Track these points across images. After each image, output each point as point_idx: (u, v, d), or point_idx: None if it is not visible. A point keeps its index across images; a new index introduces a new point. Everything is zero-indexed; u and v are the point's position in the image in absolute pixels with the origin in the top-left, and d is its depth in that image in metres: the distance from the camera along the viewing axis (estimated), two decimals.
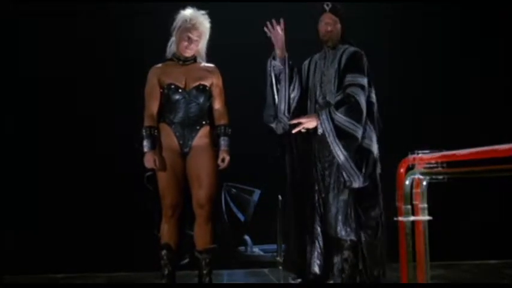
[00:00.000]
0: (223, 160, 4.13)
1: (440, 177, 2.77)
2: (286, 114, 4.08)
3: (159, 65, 4.29)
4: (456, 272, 5.13)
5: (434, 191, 2.97)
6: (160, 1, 5.70)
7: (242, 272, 5.58)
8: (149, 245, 5.18)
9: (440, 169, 2.76)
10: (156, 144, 4.14)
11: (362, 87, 3.93)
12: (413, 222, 2.89)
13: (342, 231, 3.87)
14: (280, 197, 4.80)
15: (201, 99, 4.16)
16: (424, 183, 2.86)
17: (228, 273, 5.48)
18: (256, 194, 5.37)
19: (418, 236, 2.89)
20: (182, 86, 4.16)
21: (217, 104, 4.24)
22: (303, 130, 3.94)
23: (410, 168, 2.89)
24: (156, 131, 4.17)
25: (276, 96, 4.12)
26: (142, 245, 5.43)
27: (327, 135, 3.87)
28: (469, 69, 5.95)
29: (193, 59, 4.25)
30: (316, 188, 4.02)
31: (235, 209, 5.37)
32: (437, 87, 5.96)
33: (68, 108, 5.80)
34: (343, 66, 4.02)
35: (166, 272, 4.13)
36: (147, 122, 4.19)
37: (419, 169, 2.83)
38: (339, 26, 4.10)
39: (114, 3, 5.84)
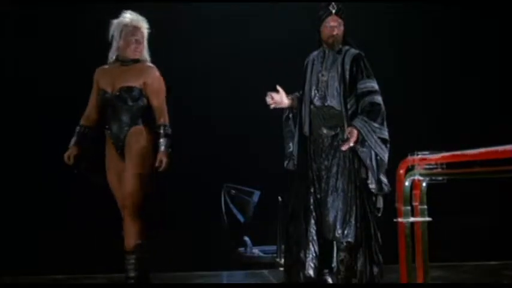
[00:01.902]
0: (161, 162, 4.03)
1: (440, 178, 2.77)
2: (297, 147, 4.14)
3: (103, 66, 4.31)
4: (456, 273, 5.12)
5: (435, 192, 2.97)
6: (160, 1, 5.73)
7: (242, 273, 5.56)
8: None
9: (439, 170, 2.75)
10: (81, 143, 4.21)
11: (379, 92, 4.01)
12: (412, 223, 2.88)
13: (340, 233, 3.88)
14: (280, 198, 4.80)
15: (129, 102, 4.12)
16: (424, 184, 2.86)
17: (228, 274, 5.46)
18: (256, 195, 5.39)
19: (418, 237, 2.89)
20: (109, 90, 4.17)
21: (153, 104, 4.17)
22: (351, 144, 3.88)
23: (410, 169, 2.88)
24: (85, 129, 4.22)
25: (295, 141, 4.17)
26: None
27: (367, 146, 3.88)
28: (469, 69, 5.95)
29: (133, 60, 4.20)
30: (312, 190, 4.02)
31: (234, 210, 5.39)
32: (437, 89, 5.96)
33: (67, 108, 5.80)
34: (349, 70, 4.02)
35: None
36: (81, 120, 4.28)
37: (418, 170, 2.82)
38: (342, 28, 4.09)
39: (114, 3, 5.86)
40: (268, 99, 4.09)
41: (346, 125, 3.94)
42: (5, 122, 5.81)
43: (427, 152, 2.80)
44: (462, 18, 5.98)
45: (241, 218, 5.48)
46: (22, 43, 5.88)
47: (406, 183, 2.84)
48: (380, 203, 3.96)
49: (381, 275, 3.94)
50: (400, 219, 2.87)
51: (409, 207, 2.85)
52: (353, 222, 3.89)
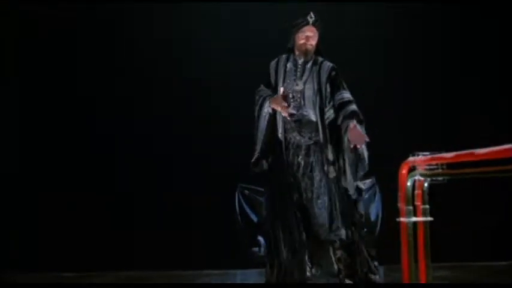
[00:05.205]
0: None
1: (440, 178, 2.80)
2: (271, 150, 4.20)
3: None
4: (462, 273, 5.12)
5: (440, 193, 3.00)
6: (161, 1, 5.81)
7: (256, 271, 5.61)
8: (154, 245, 5.25)
9: (440, 171, 2.78)
10: None
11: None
12: (415, 223, 2.91)
13: (331, 232, 3.95)
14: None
15: None
16: (426, 184, 2.89)
17: (242, 273, 5.52)
18: None
19: (420, 237, 2.92)
20: None
21: None
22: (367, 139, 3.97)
23: (412, 170, 2.91)
24: None
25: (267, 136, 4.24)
26: (148, 245, 5.52)
27: (361, 148, 3.96)
28: (469, 70, 5.91)
29: None
30: (293, 193, 4.10)
31: (248, 210, 5.43)
32: (437, 89, 5.92)
33: (68, 109, 5.91)
34: (325, 83, 4.11)
35: None
36: None
37: (419, 171, 2.85)
38: (317, 38, 4.17)
39: (114, 3, 5.95)
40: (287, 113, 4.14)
41: (321, 134, 4.04)
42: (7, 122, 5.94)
43: (427, 153, 2.84)
44: (462, 18, 5.94)
45: (254, 218, 5.52)
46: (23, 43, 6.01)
47: (408, 184, 2.88)
48: (361, 209, 4.03)
49: (375, 271, 4.02)
50: (402, 219, 2.90)
51: (411, 207, 2.89)
52: (341, 221, 3.96)
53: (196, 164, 5.91)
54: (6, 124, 5.91)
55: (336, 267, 4.01)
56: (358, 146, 3.94)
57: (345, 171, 4.01)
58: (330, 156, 4.05)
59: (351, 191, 4.04)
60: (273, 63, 4.31)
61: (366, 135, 3.88)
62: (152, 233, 5.60)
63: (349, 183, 4.03)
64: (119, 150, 5.84)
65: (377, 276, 4.03)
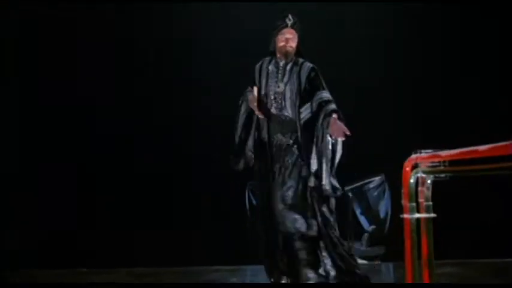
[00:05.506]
0: None
1: (443, 175, 2.82)
2: (252, 149, 4.26)
3: None
4: (467, 270, 5.13)
5: (446, 190, 3.02)
6: (161, 1, 5.83)
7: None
8: (163, 241, 5.25)
9: (442, 168, 2.81)
10: None
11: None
12: (418, 219, 2.94)
13: (291, 225, 4.03)
14: None
15: None
16: (429, 181, 2.91)
17: (252, 269, 5.54)
18: None
19: (423, 233, 2.94)
20: None
21: None
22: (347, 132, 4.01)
23: (415, 167, 2.94)
24: None
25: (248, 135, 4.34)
26: (156, 241, 5.54)
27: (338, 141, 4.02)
28: (469, 70, 5.93)
29: None
30: (271, 191, 4.18)
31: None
32: (437, 90, 5.93)
33: (67, 109, 5.92)
34: (305, 83, 4.17)
35: None
36: None
37: (422, 168, 2.88)
38: (297, 40, 4.24)
39: (114, 4, 5.96)
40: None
41: (300, 133, 4.10)
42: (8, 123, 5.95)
43: (430, 151, 2.87)
44: (462, 18, 5.96)
45: None
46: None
47: (411, 181, 2.91)
48: (333, 206, 4.11)
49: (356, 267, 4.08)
50: (405, 216, 2.93)
51: (414, 204, 2.92)
52: (308, 216, 4.03)
53: (196, 163, 5.93)
54: (6, 124, 5.91)
55: (297, 256, 4.09)
56: (339, 138, 4.01)
57: (320, 169, 4.07)
58: (305, 155, 4.13)
59: (327, 187, 4.09)
60: (257, 66, 4.41)
61: (346, 128, 3.94)
62: (160, 231, 5.62)
63: (325, 180, 4.08)
64: (119, 150, 5.86)
65: (358, 271, 4.09)
